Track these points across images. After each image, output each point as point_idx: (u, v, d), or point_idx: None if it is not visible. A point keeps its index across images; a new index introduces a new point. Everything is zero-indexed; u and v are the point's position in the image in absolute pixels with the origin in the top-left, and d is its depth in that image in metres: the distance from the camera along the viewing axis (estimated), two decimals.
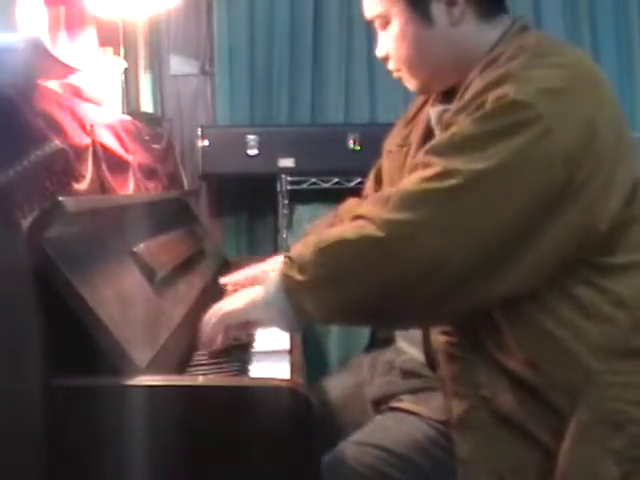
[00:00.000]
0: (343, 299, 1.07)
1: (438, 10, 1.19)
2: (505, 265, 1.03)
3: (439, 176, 1.04)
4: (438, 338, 1.17)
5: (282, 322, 1.13)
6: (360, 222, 1.08)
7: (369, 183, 1.54)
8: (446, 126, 1.12)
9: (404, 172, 1.33)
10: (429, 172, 1.06)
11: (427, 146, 1.13)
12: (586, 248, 1.07)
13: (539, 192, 1.03)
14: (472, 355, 1.12)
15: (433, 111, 1.28)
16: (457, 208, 1.03)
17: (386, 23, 1.23)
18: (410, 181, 1.09)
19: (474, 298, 1.06)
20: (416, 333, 1.27)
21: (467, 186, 1.03)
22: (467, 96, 1.12)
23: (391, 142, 1.44)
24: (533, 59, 1.09)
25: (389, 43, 1.24)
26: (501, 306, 1.08)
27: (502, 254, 1.03)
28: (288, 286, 1.09)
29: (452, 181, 1.03)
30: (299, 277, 1.07)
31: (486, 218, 1.03)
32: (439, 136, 1.12)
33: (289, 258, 1.11)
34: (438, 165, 1.05)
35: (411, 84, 1.28)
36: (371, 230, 1.05)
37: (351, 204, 1.56)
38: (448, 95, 1.25)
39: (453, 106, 1.16)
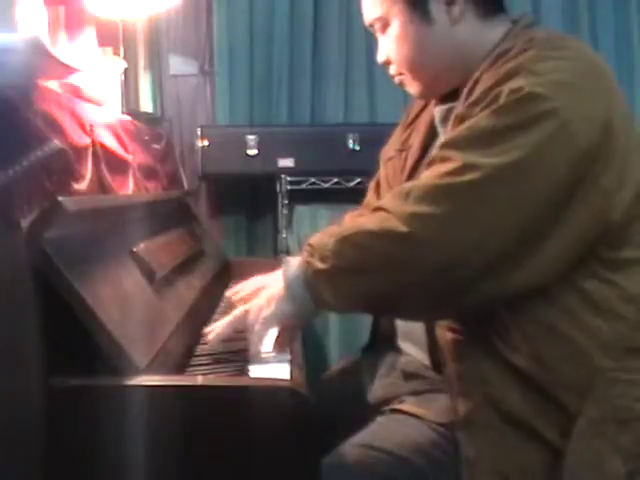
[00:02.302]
0: (361, 289, 1.07)
1: (437, 9, 1.19)
2: (526, 257, 1.04)
3: (460, 170, 1.04)
4: (445, 335, 1.16)
5: (300, 310, 1.12)
6: (382, 214, 1.08)
7: (370, 194, 1.54)
8: (459, 120, 1.12)
9: (404, 175, 1.34)
10: (449, 166, 1.05)
11: (443, 141, 1.12)
12: (597, 241, 1.07)
13: (558, 184, 1.04)
14: (479, 353, 1.11)
15: (437, 110, 1.27)
16: (479, 202, 1.04)
17: (386, 26, 1.23)
18: (429, 175, 1.08)
19: (493, 291, 1.06)
20: (419, 334, 1.26)
21: (488, 180, 1.03)
22: (479, 90, 1.11)
23: (390, 149, 1.43)
24: (544, 52, 1.09)
25: (390, 46, 1.24)
26: (509, 302, 1.08)
27: (523, 246, 1.04)
28: (308, 274, 1.09)
29: (473, 175, 1.03)
30: (320, 265, 1.07)
31: (507, 211, 1.03)
32: (455, 130, 1.11)
33: (310, 245, 1.11)
34: (458, 159, 1.05)
35: (413, 88, 1.27)
36: (394, 223, 1.05)
37: (353, 217, 1.55)
38: (450, 96, 1.24)
39: (460, 103, 1.16)
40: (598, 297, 1.08)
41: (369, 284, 1.07)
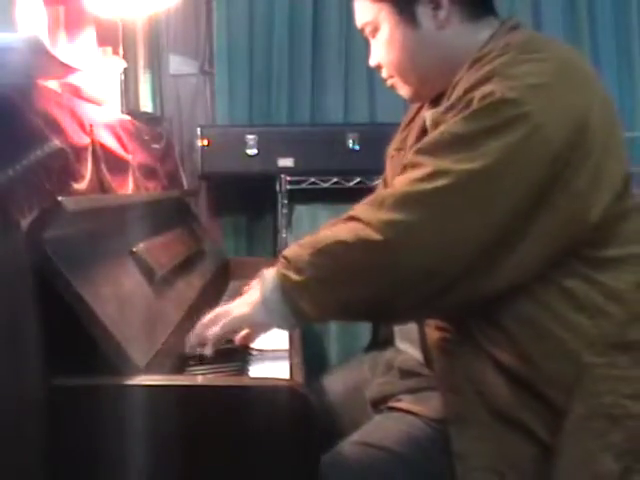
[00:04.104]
0: (339, 300, 1.07)
1: (424, 13, 1.19)
2: (500, 260, 1.04)
3: (430, 176, 1.05)
4: (432, 334, 1.18)
5: (280, 323, 1.13)
6: (355, 224, 1.08)
7: (379, 191, 1.54)
8: (435, 125, 1.13)
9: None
10: (420, 172, 1.06)
11: (416, 146, 1.13)
12: (578, 241, 1.08)
13: (529, 188, 1.04)
14: (466, 350, 1.12)
15: (427, 114, 1.28)
16: (450, 208, 1.04)
17: (375, 30, 1.25)
18: (402, 182, 1.09)
19: (470, 293, 1.06)
20: (414, 332, 1.27)
21: (458, 186, 1.03)
22: (455, 95, 1.12)
23: (391, 147, 1.45)
24: (520, 55, 1.09)
25: (379, 50, 1.26)
26: (494, 301, 1.08)
27: (497, 250, 1.04)
28: (284, 286, 1.08)
29: (443, 181, 1.03)
30: (296, 277, 1.07)
31: (479, 216, 1.03)
32: (428, 135, 1.12)
33: (285, 258, 1.11)
34: (428, 165, 1.06)
35: (404, 91, 1.30)
36: (368, 233, 1.05)
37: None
38: (441, 99, 1.25)
39: (442, 106, 1.16)
40: (581, 296, 1.08)
41: (346, 294, 1.06)
